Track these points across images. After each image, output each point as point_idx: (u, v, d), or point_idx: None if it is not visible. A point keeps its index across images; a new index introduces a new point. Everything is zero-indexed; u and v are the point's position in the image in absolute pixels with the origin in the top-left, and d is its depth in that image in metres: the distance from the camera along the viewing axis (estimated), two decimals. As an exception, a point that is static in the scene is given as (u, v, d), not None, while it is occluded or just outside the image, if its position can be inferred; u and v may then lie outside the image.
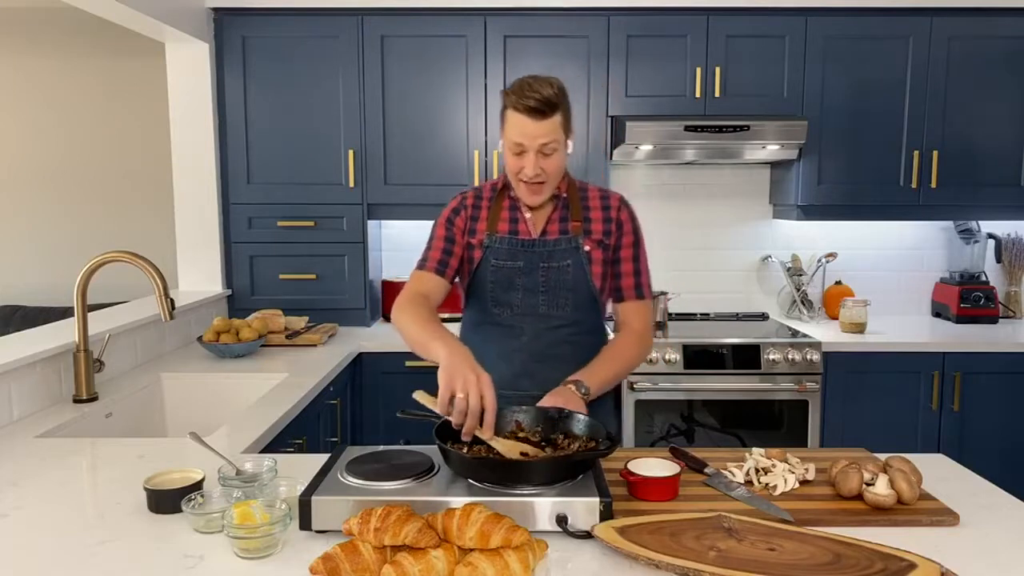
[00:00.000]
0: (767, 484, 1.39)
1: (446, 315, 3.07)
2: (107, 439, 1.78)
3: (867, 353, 2.97)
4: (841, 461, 1.39)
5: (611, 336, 1.83)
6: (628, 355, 1.73)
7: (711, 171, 3.52)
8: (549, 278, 1.74)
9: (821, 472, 1.46)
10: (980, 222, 3.36)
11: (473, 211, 1.79)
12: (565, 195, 1.78)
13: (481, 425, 1.31)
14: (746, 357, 2.92)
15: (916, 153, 3.16)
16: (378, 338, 3.04)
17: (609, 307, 1.86)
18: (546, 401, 1.51)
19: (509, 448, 1.31)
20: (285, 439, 2.00)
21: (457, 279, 1.83)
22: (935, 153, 3.15)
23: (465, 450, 1.31)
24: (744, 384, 2.91)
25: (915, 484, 1.31)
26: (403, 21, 3.10)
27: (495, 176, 3.08)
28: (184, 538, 1.21)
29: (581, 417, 1.42)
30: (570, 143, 1.71)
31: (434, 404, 1.34)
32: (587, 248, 1.75)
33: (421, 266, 1.76)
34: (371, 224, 3.26)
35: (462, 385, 1.30)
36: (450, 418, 1.31)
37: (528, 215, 1.77)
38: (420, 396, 1.38)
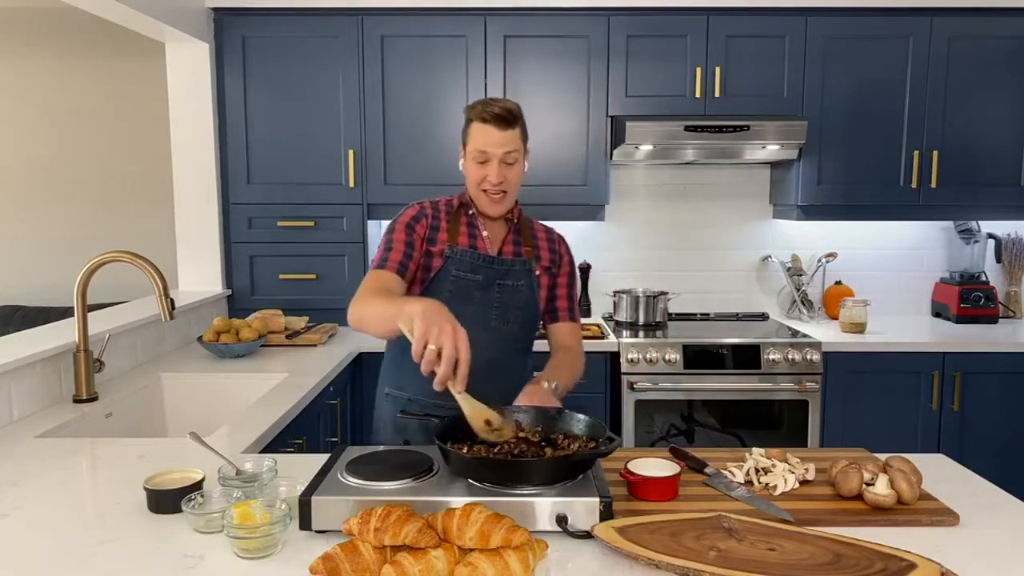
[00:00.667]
0: (767, 484, 1.39)
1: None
2: (107, 439, 1.78)
3: (867, 353, 2.97)
4: (841, 461, 1.39)
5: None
6: (576, 368, 1.84)
7: (711, 171, 3.52)
8: (503, 295, 1.81)
9: (821, 472, 1.46)
10: (980, 222, 3.36)
11: (433, 220, 1.82)
12: (516, 221, 1.89)
13: (456, 379, 1.30)
14: (746, 357, 2.92)
15: (916, 153, 3.15)
16: (378, 338, 3.03)
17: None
18: (522, 399, 1.57)
19: (473, 412, 1.31)
20: (285, 439, 2.00)
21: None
22: (935, 153, 3.15)
23: (465, 450, 1.31)
24: (744, 384, 2.91)
25: (915, 484, 1.31)
26: (403, 21, 3.10)
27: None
28: (184, 538, 1.21)
29: (581, 417, 1.42)
30: (526, 162, 1.83)
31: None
32: (537, 272, 1.88)
33: (381, 265, 1.74)
34: (371, 224, 3.26)
35: (436, 335, 1.27)
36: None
37: (485, 233, 1.84)
38: (403, 325, 1.34)
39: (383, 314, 1.45)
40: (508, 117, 1.72)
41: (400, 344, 1.78)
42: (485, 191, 1.77)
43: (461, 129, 1.82)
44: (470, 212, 1.85)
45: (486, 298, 1.80)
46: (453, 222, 1.84)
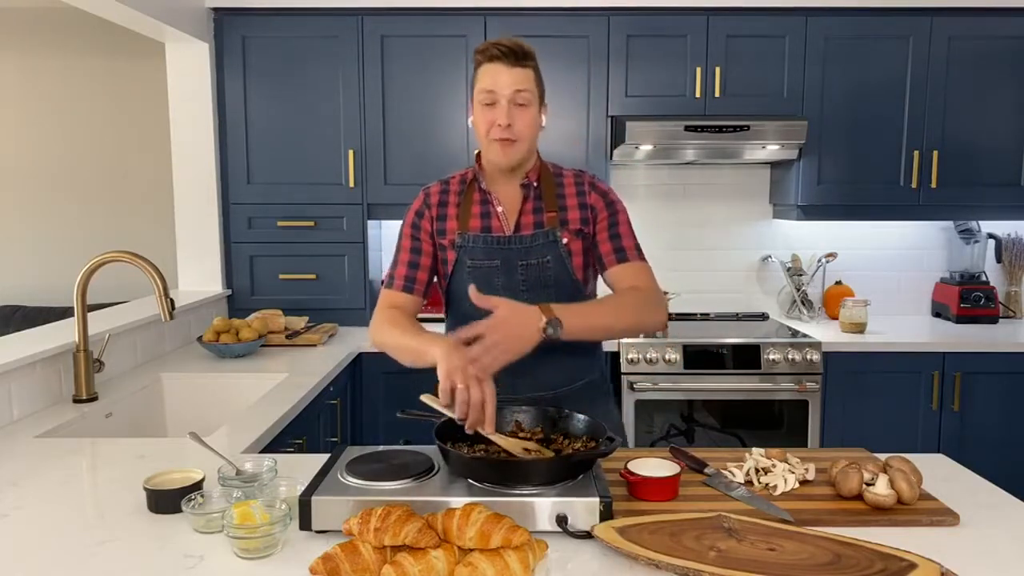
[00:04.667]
0: (767, 484, 1.39)
1: (429, 316, 2.97)
2: (107, 439, 1.78)
3: (867, 353, 2.97)
4: (841, 461, 1.39)
5: None
6: (625, 301, 1.59)
7: (711, 171, 3.52)
8: (529, 276, 1.66)
9: (821, 472, 1.45)
10: (980, 222, 3.35)
11: (439, 209, 1.70)
12: (536, 184, 1.68)
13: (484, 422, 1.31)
14: (746, 357, 2.92)
15: (916, 153, 3.15)
16: (378, 338, 3.03)
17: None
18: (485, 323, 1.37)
19: (512, 446, 1.31)
20: (285, 439, 2.00)
21: (435, 280, 1.76)
22: (935, 153, 3.15)
23: (465, 450, 1.31)
24: (744, 384, 2.91)
25: (915, 484, 1.31)
26: (403, 21, 3.10)
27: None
28: (184, 538, 1.21)
29: (581, 417, 1.42)
30: (543, 116, 1.65)
31: (439, 404, 1.34)
32: (565, 240, 1.66)
33: (388, 284, 1.69)
34: (371, 224, 3.26)
35: (461, 378, 1.29)
36: (453, 414, 1.31)
37: (500, 208, 1.68)
38: (427, 398, 1.38)
39: (405, 349, 1.50)
40: (519, 52, 1.55)
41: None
42: (495, 140, 1.59)
43: (470, 80, 1.65)
44: (482, 186, 1.69)
45: (510, 283, 1.65)
46: (464, 202, 1.68)
